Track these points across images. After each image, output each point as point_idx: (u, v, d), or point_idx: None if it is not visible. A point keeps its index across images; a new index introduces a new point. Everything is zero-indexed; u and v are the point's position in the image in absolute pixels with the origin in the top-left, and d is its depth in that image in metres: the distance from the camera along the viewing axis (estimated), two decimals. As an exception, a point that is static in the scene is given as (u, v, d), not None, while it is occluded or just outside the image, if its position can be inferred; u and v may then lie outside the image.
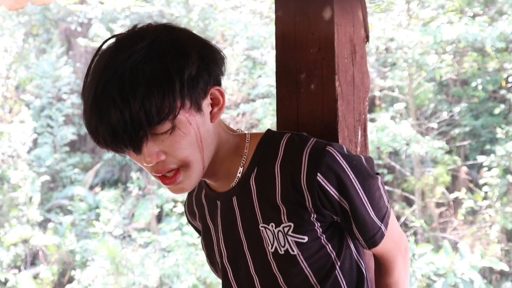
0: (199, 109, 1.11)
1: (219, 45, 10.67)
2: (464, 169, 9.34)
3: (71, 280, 9.52)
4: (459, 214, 8.75)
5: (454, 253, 7.48)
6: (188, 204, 1.36)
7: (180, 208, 9.34)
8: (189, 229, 8.79)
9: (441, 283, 7.18)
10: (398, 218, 9.01)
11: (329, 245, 1.18)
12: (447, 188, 9.13)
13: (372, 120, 8.87)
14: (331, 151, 1.13)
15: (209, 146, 1.14)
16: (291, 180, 1.14)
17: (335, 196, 1.14)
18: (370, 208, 1.17)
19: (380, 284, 1.31)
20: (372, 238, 1.19)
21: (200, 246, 1.37)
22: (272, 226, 1.16)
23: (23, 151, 10.53)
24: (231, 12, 10.01)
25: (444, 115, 9.61)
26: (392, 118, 8.95)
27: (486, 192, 8.43)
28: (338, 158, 1.13)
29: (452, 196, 8.86)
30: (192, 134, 1.10)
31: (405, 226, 8.89)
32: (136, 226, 10.17)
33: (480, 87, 9.17)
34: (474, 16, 8.75)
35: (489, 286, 7.48)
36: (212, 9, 10.30)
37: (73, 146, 11.87)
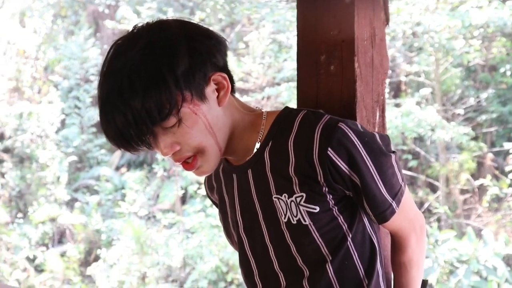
0: (203, 98, 1.16)
1: (245, 29, 10.68)
2: (490, 155, 9.24)
3: (97, 258, 9.70)
4: (483, 201, 8.68)
5: (477, 240, 7.43)
6: (207, 178, 1.42)
7: (204, 191, 9.39)
8: (213, 211, 8.87)
9: (464, 270, 7.15)
10: (421, 204, 8.97)
11: (341, 217, 1.21)
12: (472, 175, 9.05)
13: (397, 105, 8.80)
14: (342, 127, 1.17)
15: (221, 129, 1.20)
16: (304, 155, 1.18)
17: (346, 171, 1.17)
18: (382, 184, 1.19)
19: (394, 262, 1.34)
20: (382, 213, 1.22)
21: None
22: (285, 196, 1.20)
23: (51, 131, 10.70)
24: (258, -5, 9.98)
25: (471, 101, 9.49)
26: (418, 103, 8.87)
27: (512, 180, 8.36)
28: (350, 134, 1.17)
29: (477, 183, 8.78)
30: (200, 123, 1.16)
31: (428, 212, 8.86)
32: (161, 207, 10.29)
33: (508, 73, 9.03)
34: (504, 0, 8.60)
35: (513, 274, 7.43)
36: (238, -8, 10.28)
37: (100, 127, 11.97)
